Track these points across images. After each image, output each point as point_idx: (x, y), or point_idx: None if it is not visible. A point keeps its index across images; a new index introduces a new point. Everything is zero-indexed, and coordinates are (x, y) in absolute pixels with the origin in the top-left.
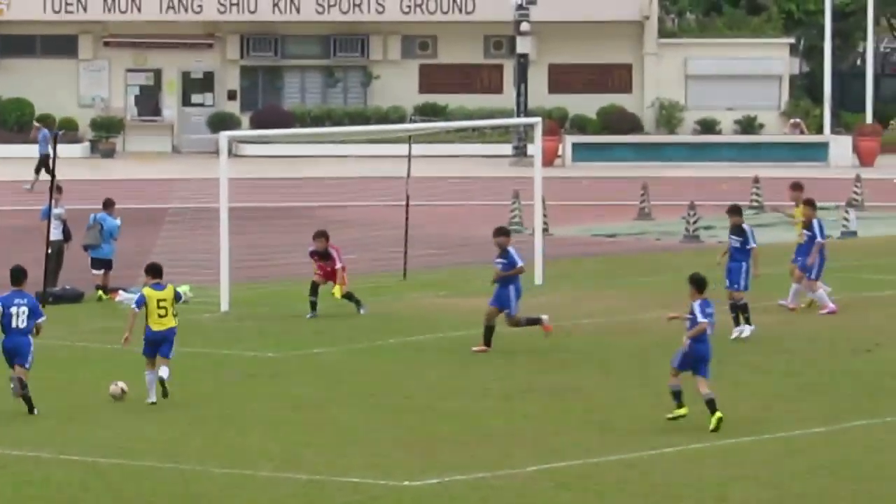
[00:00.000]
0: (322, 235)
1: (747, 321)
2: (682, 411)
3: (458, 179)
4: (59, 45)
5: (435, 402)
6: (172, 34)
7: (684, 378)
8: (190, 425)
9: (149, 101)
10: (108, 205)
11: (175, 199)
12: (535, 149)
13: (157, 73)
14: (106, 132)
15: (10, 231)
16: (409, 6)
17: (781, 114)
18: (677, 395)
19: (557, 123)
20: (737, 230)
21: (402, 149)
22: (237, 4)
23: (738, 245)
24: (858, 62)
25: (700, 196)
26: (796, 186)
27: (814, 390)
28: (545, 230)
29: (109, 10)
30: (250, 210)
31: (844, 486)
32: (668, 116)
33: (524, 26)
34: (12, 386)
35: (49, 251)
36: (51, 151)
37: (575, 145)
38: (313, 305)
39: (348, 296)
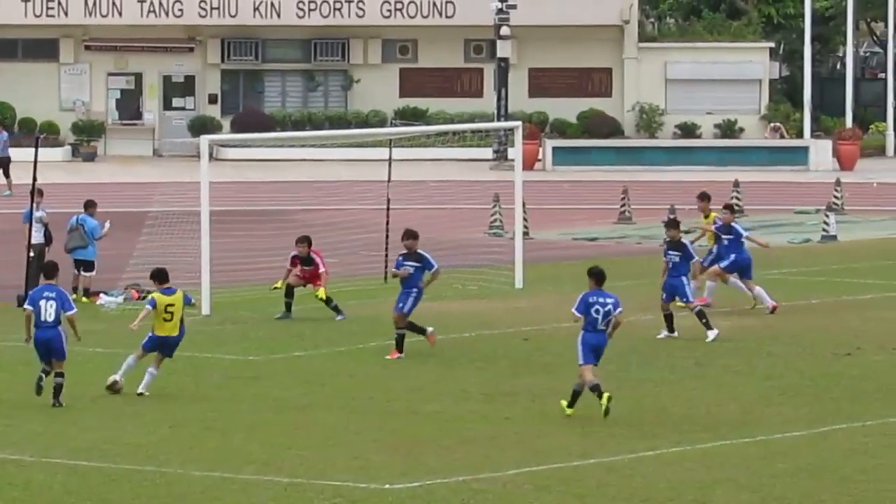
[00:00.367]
0: (305, 241)
1: (671, 328)
2: (570, 412)
3: (439, 183)
4: (40, 48)
5: (416, 405)
6: (153, 38)
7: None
8: (171, 428)
9: (130, 105)
10: (89, 206)
11: (156, 202)
12: (515, 153)
13: (138, 77)
14: (87, 136)
15: None
16: (390, 10)
17: (761, 118)
18: (595, 388)
19: (538, 127)
20: (676, 245)
21: (382, 152)
22: (218, 8)
23: (677, 260)
24: (838, 66)
25: (680, 200)
26: (703, 197)
27: (795, 393)
28: (525, 234)
29: (90, 14)
30: (231, 213)
31: (826, 488)
32: (649, 120)
33: (504, 30)
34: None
35: (31, 254)
36: (10, 154)
37: (555, 149)
38: (288, 307)
39: (328, 300)
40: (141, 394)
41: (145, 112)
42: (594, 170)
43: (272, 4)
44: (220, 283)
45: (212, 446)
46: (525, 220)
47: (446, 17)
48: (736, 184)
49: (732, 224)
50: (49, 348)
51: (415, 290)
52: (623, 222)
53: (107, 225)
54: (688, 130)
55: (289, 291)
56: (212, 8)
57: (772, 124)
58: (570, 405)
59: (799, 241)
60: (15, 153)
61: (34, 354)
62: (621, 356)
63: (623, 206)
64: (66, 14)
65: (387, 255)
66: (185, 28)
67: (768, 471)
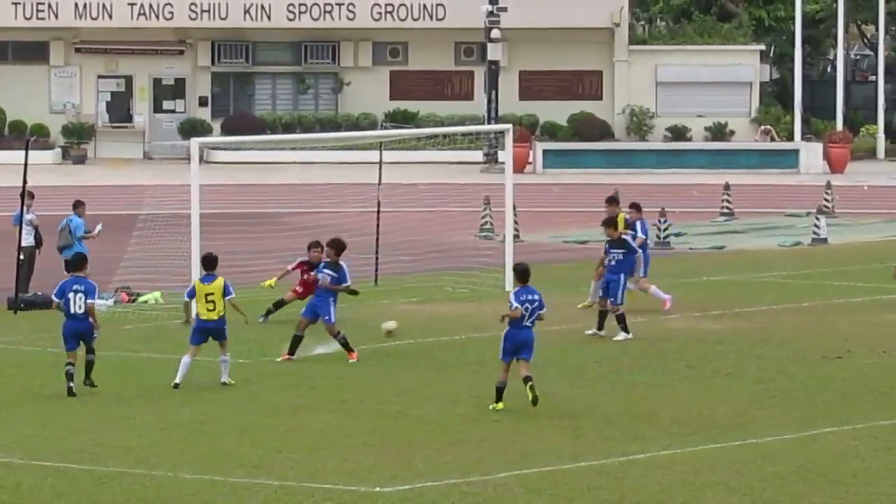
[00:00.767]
0: (318, 246)
1: (625, 329)
2: (500, 406)
3: (430, 186)
4: (31, 51)
5: (406, 408)
6: (143, 41)
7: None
8: (162, 431)
9: (120, 108)
10: (77, 205)
11: (146, 205)
12: (505, 155)
13: (129, 80)
14: (77, 138)
15: None
16: (380, 13)
17: (752, 120)
18: (500, 390)
19: (528, 130)
20: (618, 243)
21: (373, 155)
22: (208, 11)
23: (620, 258)
24: (829, 69)
25: (670, 203)
26: (611, 201)
27: (785, 397)
28: (516, 237)
29: (81, 17)
30: (221, 216)
31: (816, 492)
32: (639, 123)
33: (495, 33)
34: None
35: (21, 257)
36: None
37: (546, 152)
38: (269, 313)
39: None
40: (225, 383)
41: (135, 115)
42: (584, 172)
43: (262, 7)
44: None
45: (202, 449)
46: (515, 222)
47: (437, 19)
48: (726, 186)
49: (636, 222)
50: (79, 336)
51: (332, 296)
52: None
53: (98, 227)
54: (678, 133)
55: (279, 304)
56: (202, 10)
57: (762, 127)
58: (498, 400)
59: (789, 244)
60: (5, 156)
61: (58, 344)
62: (612, 359)
63: None
64: (56, 16)
65: (377, 258)
66: (175, 31)
67: (759, 474)
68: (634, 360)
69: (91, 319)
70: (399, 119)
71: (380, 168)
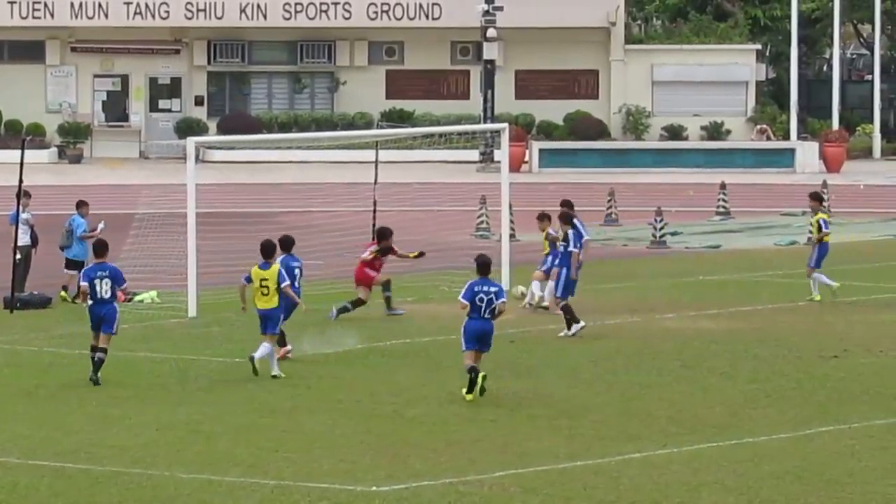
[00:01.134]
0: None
1: (574, 321)
2: (470, 397)
3: (426, 185)
4: (27, 50)
5: (402, 407)
6: (139, 40)
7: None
8: (158, 431)
9: (116, 107)
10: (79, 205)
11: (142, 204)
12: (501, 155)
13: (125, 79)
14: (73, 138)
15: None
16: (376, 12)
17: (748, 120)
18: (472, 371)
19: (524, 129)
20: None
21: (369, 154)
22: (204, 10)
23: (562, 250)
24: (825, 68)
25: (666, 202)
26: (543, 217)
27: (781, 396)
28: (512, 236)
29: (77, 16)
30: (218, 215)
31: (812, 491)
32: (635, 122)
33: (491, 32)
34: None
35: (17, 256)
36: None
37: (542, 151)
38: (345, 310)
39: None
40: (276, 376)
41: (132, 114)
42: (580, 172)
43: (258, 6)
44: (207, 285)
45: (198, 449)
46: (511, 222)
47: (432, 18)
48: (722, 186)
49: (569, 232)
50: (103, 320)
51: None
52: (609, 224)
53: (100, 225)
54: (674, 132)
55: (357, 303)
56: (198, 10)
57: (758, 126)
58: (468, 391)
59: (785, 243)
60: (1, 155)
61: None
62: (608, 359)
63: (609, 208)
64: (52, 16)
65: None
66: (171, 30)
67: (755, 473)
68: (630, 360)
69: (116, 304)
70: (395, 118)
71: (376, 167)
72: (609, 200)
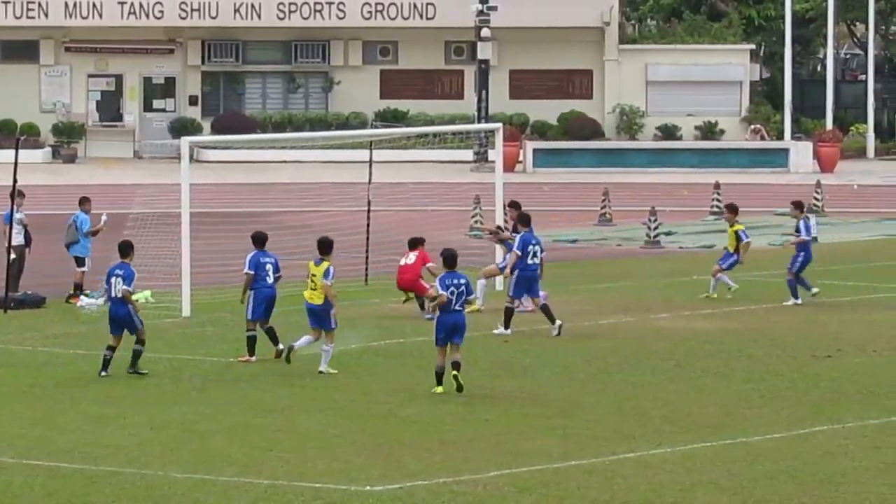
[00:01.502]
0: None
1: (506, 325)
2: (440, 389)
3: (420, 185)
4: (21, 50)
5: (397, 407)
6: (134, 40)
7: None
8: (152, 430)
9: (110, 107)
10: (83, 202)
11: (136, 204)
12: (496, 154)
13: (119, 79)
14: (67, 137)
15: None
16: (370, 12)
17: (742, 120)
18: (440, 374)
19: (518, 129)
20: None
21: (363, 154)
22: (198, 10)
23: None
24: (819, 68)
25: (660, 202)
26: (513, 205)
27: (775, 396)
28: None
29: (71, 16)
30: (212, 215)
31: (806, 491)
32: (629, 122)
33: (485, 32)
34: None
35: (11, 256)
36: None
37: (536, 151)
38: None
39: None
40: (322, 372)
41: (126, 114)
42: (574, 172)
43: (252, 6)
44: (201, 285)
45: (192, 448)
46: (506, 221)
47: (427, 18)
48: (716, 185)
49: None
50: (120, 323)
51: (253, 292)
52: (603, 224)
53: (103, 218)
54: (668, 132)
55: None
56: (192, 10)
57: (752, 126)
58: (438, 384)
59: (779, 243)
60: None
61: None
62: (602, 358)
63: (603, 207)
64: (46, 15)
65: (367, 257)
66: (165, 30)
67: (749, 473)
68: (624, 360)
69: (129, 305)
70: (389, 118)
71: (370, 167)
72: (603, 200)
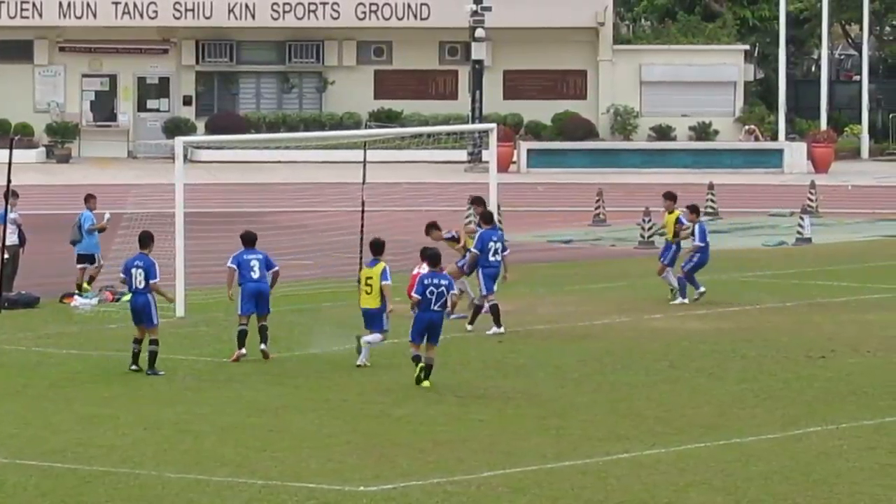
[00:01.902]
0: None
1: (471, 321)
2: (419, 371)
3: (414, 185)
4: (15, 50)
5: (390, 407)
6: (128, 40)
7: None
8: (145, 430)
9: (104, 107)
10: (87, 199)
11: (130, 204)
12: (489, 155)
13: (113, 79)
14: (61, 137)
15: None
16: (365, 12)
17: (736, 120)
18: (417, 359)
19: (512, 129)
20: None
21: (357, 154)
22: (192, 10)
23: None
24: (813, 68)
25: (655, 202)
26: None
27: (769, 396)
28: None
29: (65, 16)
30: (205, 215)
31: (800, 491)
32: (623, 123)
33: (479, 32)
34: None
35: (5, 256)
36: None
37: (530, 151)
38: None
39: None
40: (360, 365)
41: (120, 114)
42: (569, 172)
43: (247, 6)
44: (195, 285)
45: (186, 448)
46: (500, 222)
47: (421, 19)
48: (710, 186)
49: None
50: (140, 314)
51: (240, 288)
52: (597, 224)
53: (106, 216)
54: (662, 133)
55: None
56: (186, 10)
57: (746, 127)
58: (425, 378)
59: (773, 243)
60: None
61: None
62: (596, 359)
63: (597, 208)
64: (40, 15)
65: (361, 258)
66: (159, 30)
67: (742, 473)
68: (618, 360)
69: (160, 294)
70: (383, 118)
71: (364, 167)
72: (597, 200)
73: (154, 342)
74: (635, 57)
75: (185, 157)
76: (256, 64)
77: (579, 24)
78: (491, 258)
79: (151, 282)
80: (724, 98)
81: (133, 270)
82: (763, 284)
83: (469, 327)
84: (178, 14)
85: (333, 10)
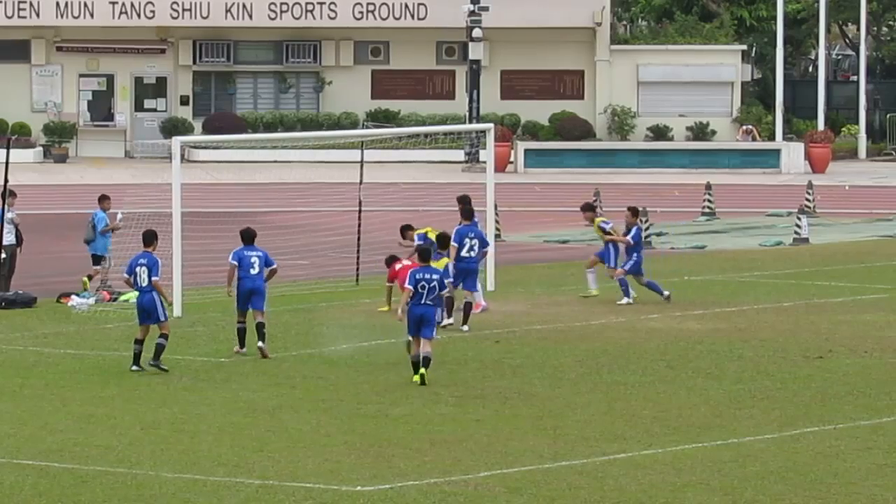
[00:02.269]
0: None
1: (448, 315)
2: (417, 378)
3: (411, 185)
4: (12, 49)
5: (387, 407)
6: (125, 39)
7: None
8: (142, 430)
9: (101, 107)
10: (101, 200)
11: (126, 203)
12: (487, 155)
13: (110, 79)
14: (59, 137)
15: None
16: (362, 12)
17: (733, 120)
18: (416, 365)
19: (510, 129)
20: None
21: (354, 154)
22: (190, 10)
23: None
24: (810, 69)
25: (652, 203)
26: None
27: (766, 397)
28: (497, 236)
29: (62, 16)
30: (203, 215)
31: (796, 491)
32: (621, 123)
33: (476, 32)
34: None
35: (2, 255)
36: None
37: (527, 151)
38: None
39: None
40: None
41: (117, 113)
42: (566, 172)
43: (244, 6)
44: (192, 285)
45: (182, 448)
46: (497, 222)
47: (418, 19)
48: (708, 186)
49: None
50: (148, 312)
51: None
52: None
53: (119, 215)
54: (660, 133)
55: None
56: (183, 9)
57: (744, 127)
58: (424, 367)
59: (771, 243)
60: None
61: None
62: (593, 359)
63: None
64: (37, 15)
65: (358, 258)
66: (156, 29)
67: (739, 474)
68: (615, 360)
69: (154, 293)
70: (380, 118)
71: (361, 167)
72: (594, 201)
73: (163, 336)
74: (632, 57)
75: (182, 156)
76: (253, 64)
77: (576, 25)
78: (464, 254)
79: (153, 279)
80: (721, 98)
81: (138, 269)
82: (760, 285)
83: (465, 328)
84: (175, 14)
85: (330, 10)
